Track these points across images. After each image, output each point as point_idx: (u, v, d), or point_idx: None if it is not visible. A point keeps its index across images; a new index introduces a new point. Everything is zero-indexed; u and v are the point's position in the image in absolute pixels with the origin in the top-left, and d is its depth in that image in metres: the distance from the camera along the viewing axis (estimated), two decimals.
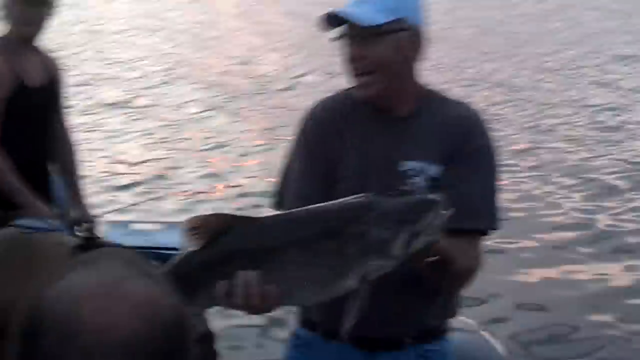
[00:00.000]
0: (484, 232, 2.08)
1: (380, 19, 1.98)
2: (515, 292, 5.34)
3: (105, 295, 0.86)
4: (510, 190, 7.11)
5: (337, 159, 2.08)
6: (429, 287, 2.06)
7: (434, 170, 2.03)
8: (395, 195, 1.71)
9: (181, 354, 0.89)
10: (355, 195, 1.70)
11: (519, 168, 8.08)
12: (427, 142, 2.05)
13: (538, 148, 8.98)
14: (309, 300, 1.74)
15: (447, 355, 2.20)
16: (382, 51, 2.00)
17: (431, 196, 1.70)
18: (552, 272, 5.72)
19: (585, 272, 5.76)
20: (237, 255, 1.65)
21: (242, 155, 8.54)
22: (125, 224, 3.92)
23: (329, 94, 2.21)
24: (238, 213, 1.72)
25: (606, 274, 5.70)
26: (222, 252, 1.65)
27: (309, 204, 1.73)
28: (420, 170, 2.03)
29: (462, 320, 3.48)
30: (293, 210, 1.77)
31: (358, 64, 2.02)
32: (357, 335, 2.01)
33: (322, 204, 1.72)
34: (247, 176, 7.79)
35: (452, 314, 2.22)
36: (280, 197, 2.12)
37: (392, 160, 2.04)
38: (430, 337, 2.14)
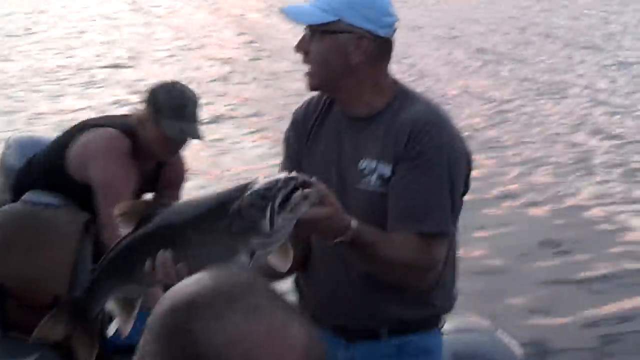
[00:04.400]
0: (432, 235, 2.06)
1: (316, 18, 2.08)
2: (533, 291, 5.21)
3: (275, 344, 0.90)
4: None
5: (305, 157, 2.23)
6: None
7: (386, 169, 2.08)
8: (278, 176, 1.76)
9: None
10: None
11: None
12: (382, 141, 2.10)
13: None
14: None
15: (429, 348, 2.23)
16: (319, 48, 2.10)
17: (293, 174, 1.73)
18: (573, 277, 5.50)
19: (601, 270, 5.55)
20: (155, 237, 1.86)
21: None
22: None
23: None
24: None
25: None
26: (145, 235, 1.87)
27: None
28: (373, 169, 2.09)
29: (477, 321, 3.42)
30: (197, 196, 1.94)
31: (303, 55, 2.13)
32: (335, 324, 2.17)
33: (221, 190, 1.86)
34: None
35: (442, 309, 2.24)
36: None
37: (351, 159, 2.13)
38: (407, 329, 2.18)
